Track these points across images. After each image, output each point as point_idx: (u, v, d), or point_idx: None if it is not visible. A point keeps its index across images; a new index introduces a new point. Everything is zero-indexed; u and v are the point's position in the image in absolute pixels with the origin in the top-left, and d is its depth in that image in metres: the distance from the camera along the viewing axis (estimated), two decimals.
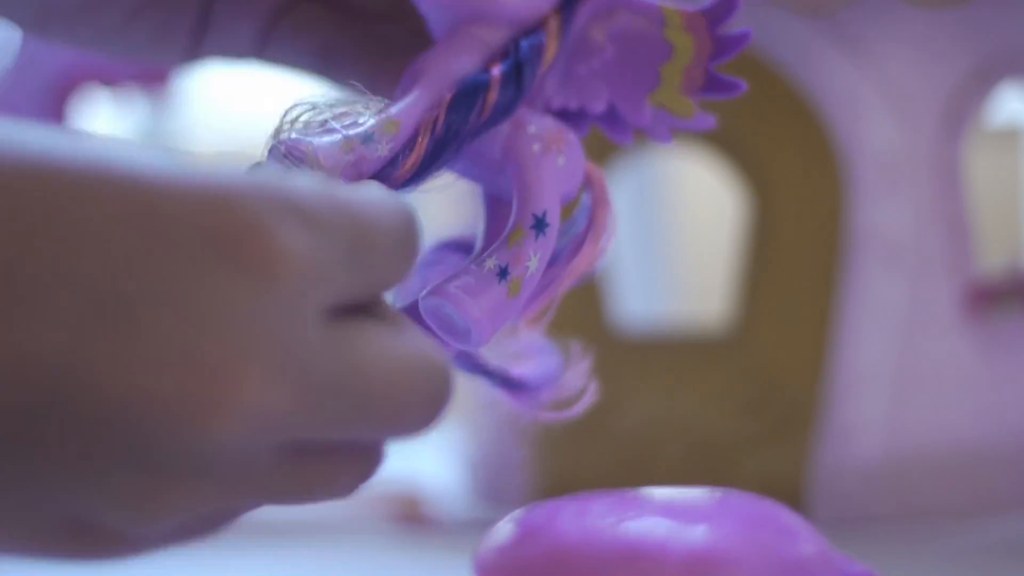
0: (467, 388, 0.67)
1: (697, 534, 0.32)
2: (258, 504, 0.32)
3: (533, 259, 0.35)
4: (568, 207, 0.37)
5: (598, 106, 0.37)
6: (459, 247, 0.38)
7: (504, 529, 0.35)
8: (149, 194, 0.28)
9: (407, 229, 0.32)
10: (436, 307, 0.34)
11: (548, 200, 0.35)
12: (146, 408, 0.28)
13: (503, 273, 0.34)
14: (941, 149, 0.57)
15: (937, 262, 0.57)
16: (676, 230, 1.26)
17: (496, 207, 0.37)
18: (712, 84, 0.37)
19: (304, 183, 0.30)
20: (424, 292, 0.34)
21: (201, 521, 0.33)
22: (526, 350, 0.38)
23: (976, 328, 0.58)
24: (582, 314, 0.60)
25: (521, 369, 0.38)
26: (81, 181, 0.28)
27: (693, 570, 0.32)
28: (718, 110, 0.60)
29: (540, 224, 0.35)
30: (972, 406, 0.58)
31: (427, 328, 0.35)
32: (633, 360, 0.59)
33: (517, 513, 0.36)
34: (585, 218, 0.37)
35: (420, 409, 0.32)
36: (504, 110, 0.35)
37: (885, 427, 0.57)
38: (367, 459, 0.33)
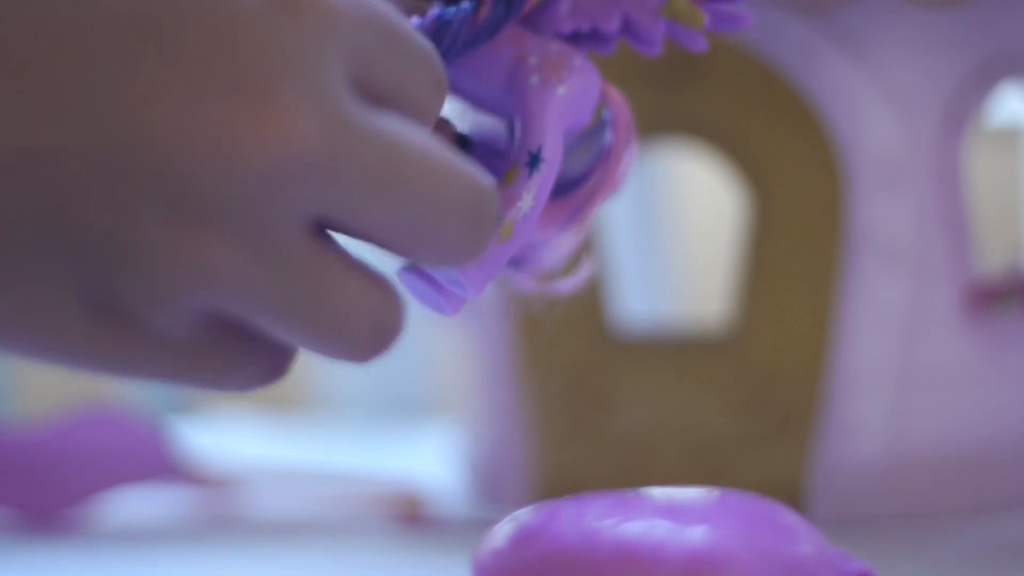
0: (467, 388, 0.68)
1: (696, 535, 0.32)
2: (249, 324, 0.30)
3: (526, 198, 0.35)
4: (591, 125, 0.37)
5: (611, 25, 0.36)
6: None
7: (503, 530, 0.35)
8: None
9: (439, 68, 0.32)
10: None
11: (544, 135, 0.35)
12: (184, 139, 0.28)
13: None
14: (941, 149, 0.57)
15: (937, 262, 0.57)
16: (676, 230, 1.26)
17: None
18: None
19: None
20: None
21: (212, 345, 0.30)
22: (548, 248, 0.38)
23: (976, 328, 0.58)
24: (582, 314, 0.60)
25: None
26: None
27: (692, 571, 0.32)
28: (719, 111, 0.60)
29: (534, 160, 0.35)
30: (972, 406, 0.58)
31: (423, 280, 0.35)
32: (633, 360, 0.59)
33: (516, 514, 0.36)
34: (610, 135, 0.37)
35: (460, 229, 0.31)
36: (492, 27, 0.35)
37: (885, 427, 0.57)
38: (279, 355, 0.32)
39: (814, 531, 0.36)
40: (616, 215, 1.20)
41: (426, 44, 0.32)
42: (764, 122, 0.57)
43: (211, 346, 0.30)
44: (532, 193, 0.34)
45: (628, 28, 0.37)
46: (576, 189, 0.37)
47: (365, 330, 0.31)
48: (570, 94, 0.35)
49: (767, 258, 0.57)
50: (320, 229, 0.30)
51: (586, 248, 0.38)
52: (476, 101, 0.37)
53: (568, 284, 0.38)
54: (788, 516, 0.35)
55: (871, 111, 0.56)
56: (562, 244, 0.37)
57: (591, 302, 0.60)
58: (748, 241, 0.58)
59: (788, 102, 0.57)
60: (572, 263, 0.38)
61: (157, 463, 0.61)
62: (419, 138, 0.31)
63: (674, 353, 0.59)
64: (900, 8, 0.56)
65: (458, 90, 0.37)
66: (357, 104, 0.30)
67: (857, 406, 0.57)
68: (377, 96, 0.31)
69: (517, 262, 0.37)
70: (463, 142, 0.36)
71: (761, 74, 0.57)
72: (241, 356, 0.31)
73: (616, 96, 0.37)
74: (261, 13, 0.28)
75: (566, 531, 0.33)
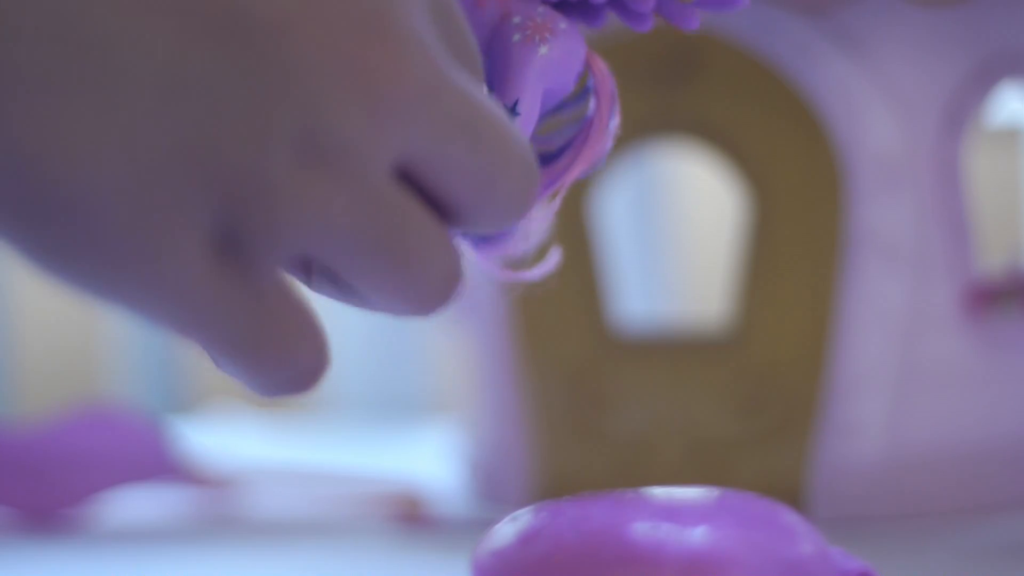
0: (467, 388, 0.68)
1: (696, 535, 0.32)
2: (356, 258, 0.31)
3: None
4: (574, 93, 0.37)
5: None
6: None
7: (503, 531, 0.35)
8: None
9: (474, 46, 0.34)
10: None
11: (521, 89, 0.35)
12: (323, 73, 0.28)
13: None
14: (941, 149, 0.57)
15: (937, 262, 0.57)
16: (676, 230, 1.26)
17: None
18: None
19: None
20: None
21: (284, 307, 0.31)
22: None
23: (976, 328, 0.58)
24: (582, 314, 0.60)
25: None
26: None
27: (692, 571, 0.32)
28: (718, 110, 0.60)
29: (510, 114, 0.35)
30: (972, 406, 0.58)
31: None
32: (633, 360, 0.59)
33: (516, 514, 0.36)
34: (592, 105, 0.37)
35: (518, 184, 0.32)
36: None
37: (885, 427, 0.57)
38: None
39: (814, 531, 0.36)
40: (616, 215, 1.20)
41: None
42: (764, 122, 0.57)
43: (282, 308, 0.31)
44: None
45: (618, 1, 0.36)
46: (555, 161, 0.37)
47: (439, 277, 0.32)
48: (552, 55, 0.35)
49: (767, 258, 0.57)
50: (400, 174, 0.31)
51: (553, 235, 0.39)
52: None
53: (535, 272, 0.38)
54: (788, 516, 0.35)
55: (871, 111, 0.56)
56: (532, 223, 0.37)
57: (591, 302, 0.60)
58: (748, 241, 0.58)
59: (788, 102, 0.57)
60: (540, 251, 0.38)
61: (157, 463, 0.61)
62: (485, 96, 0.32)
63: (674, 353, 0.59)
64: (900, 8, 0.56)
65: None
66: (443, 51, 0.31)
67: (857, 406, 0.57)
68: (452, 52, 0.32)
69: (487, 242, 0.37)
70: None
71: (761, 74, 0.57)
72: (301, 331, 0.31)
73: (600, 65, 0.37)
74: None
75: (566, 531, 0.33)
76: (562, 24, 0.36)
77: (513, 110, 0.35)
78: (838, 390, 0.57)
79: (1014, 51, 0.59)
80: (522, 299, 0.61)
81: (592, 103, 0.37)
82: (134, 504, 0.64)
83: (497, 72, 0.35)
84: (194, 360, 1.28)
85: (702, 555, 0.32)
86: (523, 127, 0.35)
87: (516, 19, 0.35)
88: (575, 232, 0.60)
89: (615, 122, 0.37)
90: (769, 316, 0.57)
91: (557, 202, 0.37)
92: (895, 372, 0.57)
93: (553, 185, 0.37)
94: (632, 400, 0.59)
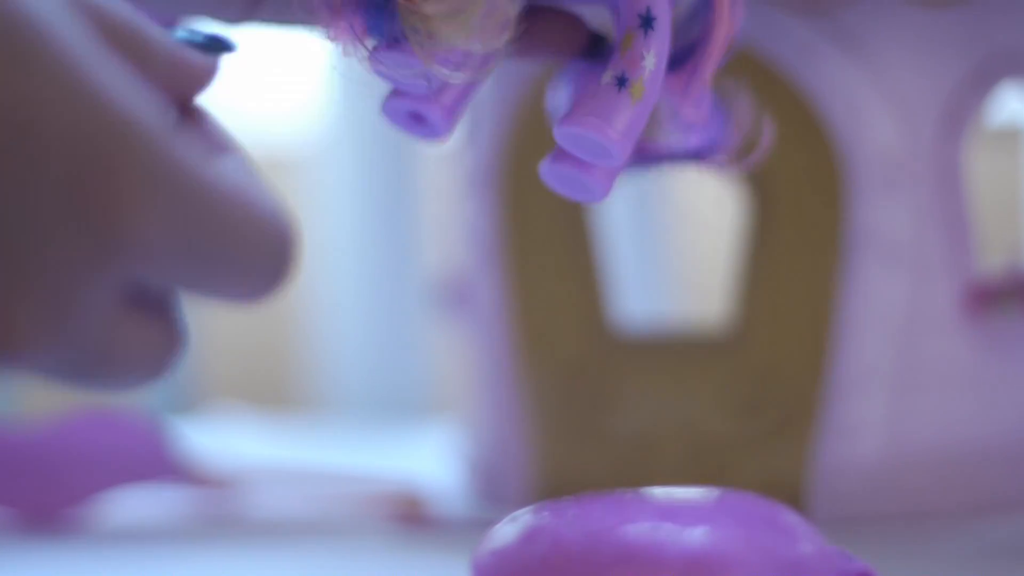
0: (466, 388, 0.68)
1: (696, 535, 0.32)
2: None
3: (648, 57, 0.35)
4: None
5: None
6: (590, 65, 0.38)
7: (503, 531, 0.35)
8: None
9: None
10: (572, 135, 0.35)
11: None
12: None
13: (621, 82, 0.35)
14: (941, 149, 0.57)
15: (937, 262, 0.57)
16: (676, 230, 1.26)
17: (586, 77, 0.37)
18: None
19: None
20: (558, 123, 0.35)
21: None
22: (695, 123, 0.38)
23: (976, 328, 0.58)
24: (582, 314, 0.60)
25: (693, 138, 0.39)
26: None
27: (692, 571, 0.32)
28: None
29: (646, 21, 0.36)
30: (972, 406, 0.58)
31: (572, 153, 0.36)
32: (633, 360, 0.59)
33: (516, 514, 0.36)
34: None
35: (262, 274, 0.33)
36: None
37: (885, 427, 0.57)
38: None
39: (814, 531, 0.36)
40: (616, 215, 1.20)
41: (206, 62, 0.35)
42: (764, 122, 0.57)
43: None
44: (652, 51, 0.35)
45: None
46: (691, 56, 0.37)
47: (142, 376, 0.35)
48: None
49: (767, 258, 0.57)
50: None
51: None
52: None
53: (753, 157, 0.39)
54: (788, 516, 0.35)
55: (871, 111, 0.56)
56: (697, 116, 0.38)
57: (591, 302, 0.60)
58: (748, 241, 0.58)
59: (788, 102, 0.57)
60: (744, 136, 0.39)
61: (157, 463, 0.61)
62: (218, 180, 0.33)
63: (674, 353, 0.59)
64: (900, 8, 0.56)
65: None
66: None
67: (857, 406, 0.57)
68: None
69: (702, 151, 0.38)
70: (598, 41, 0.37)
71: (761, 74, 0.57)
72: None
73: None
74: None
75: (566, 532, 0.33)
76: None
77: (648, 15, 0.35)
78: (838, 390, 0.57)
79: (1014, 51, 0.59)
80: (522, 299, 0.61)
81: None
82: (134, 504, 0.64)
83: None
84: (194, 360, 1.28)
85: (702, 555, 0.32)
86: (660, 28, 0.36)
87: None
88: (575, 232, 0.60)
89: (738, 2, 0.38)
90: (769, 316, 0.57)
91: (706, 88, 0.38)
92: (895, 372, 0.57)
93: (695, 78, 0.37)
94: (632, 400, 0.59)
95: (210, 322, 1.46)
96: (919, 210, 0.57)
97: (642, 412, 0.59)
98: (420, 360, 1.30)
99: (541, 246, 0.61)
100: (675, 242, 1.25)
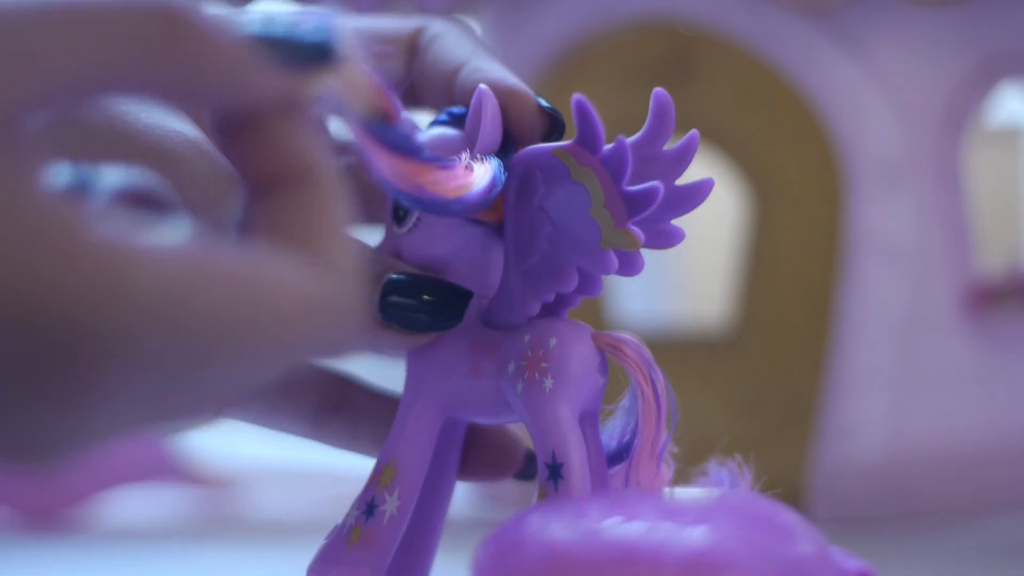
0: None
1: (696, 535, 0.32)
2: None
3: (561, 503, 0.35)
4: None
5: (571, 284, 0.36)
6: None
7: (502, 531, 0.35)
8: None
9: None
10: None
11: (551, 438, 0.35)
12: None
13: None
14: (941, 149, 0.57)
15: (937, 262, 0.57)
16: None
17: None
18: (631, 205, 0.34)
19: None
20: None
21: None
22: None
23: (976, 328, 0.58)
24: (582, 314, 0.60)
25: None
26: None
27: (692, 571, 0.32)
28: (719, 111, 0.60)
29: (554, 472, 0.35)
30: (972, 406, 0.58)
31: None
32: None
33: (515, 515, 0.36)
34: (636, 399, 0.37)
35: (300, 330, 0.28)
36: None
37: (885, 427, 0.57)
38: None
39: (814, 531, 0.35)
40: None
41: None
42: (764, 122, 0.57)
43: None
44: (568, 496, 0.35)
45: (583, 278, 0.36)
46: (630, 450, 0.37)
47: None
48: (560, 380, 0.35)
49: (767, 259, 0.57)
50: None
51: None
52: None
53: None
54: (788, 516, 0.35)
55: (871, 111, 0.56)
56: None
57: (591, 302, 0.60)
58: (748, 241, 0.58)
59: (788, 102, 0.57)
60: None
61: (157, 463, 0.61)
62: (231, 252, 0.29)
63: (674, 353, 0.59)
64: (900, 8, 0.56)
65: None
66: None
67: (857, 406, 0.57)
68: None
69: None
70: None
71: (761, 74, 0.57)
72: None
73: (624, 347, 0.36)
74: None
75: (566, 531, 0.33)
76: (552, 337, 0.35)
77: (554, 464, 0.35)
78: (838, 390, 0.57)
79: (1014, 51, 0.59)
80: None
81: (632, 381, 0.37)
82: (134, 504, 0.64)
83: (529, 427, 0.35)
84: None
85: (702, 555, 0.32)
86: (570, 473, 0.35)
87: (510, 367, 0.35)
88: None
89: (664, 384, 0.37)
90: (769, 316, 0.57)
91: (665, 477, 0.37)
92: (895, 372, 0.57)
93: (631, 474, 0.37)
94: None
95: None
96: (919, 210, 0.57)
97: None
98: None
99: None
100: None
